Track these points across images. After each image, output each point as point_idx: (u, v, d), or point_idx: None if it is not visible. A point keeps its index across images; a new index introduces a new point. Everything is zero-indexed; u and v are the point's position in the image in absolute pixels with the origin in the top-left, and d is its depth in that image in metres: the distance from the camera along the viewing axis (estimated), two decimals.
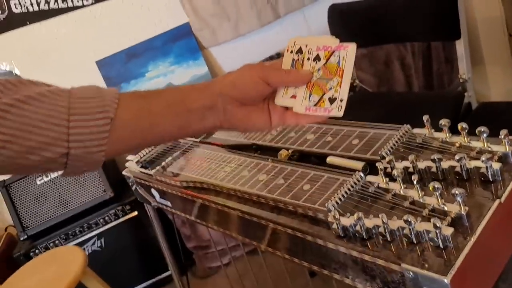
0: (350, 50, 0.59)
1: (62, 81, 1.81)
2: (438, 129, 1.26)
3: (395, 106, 1.46)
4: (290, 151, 0.97)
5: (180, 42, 1.94)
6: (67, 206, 1.82)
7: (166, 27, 1.93)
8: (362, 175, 0.78)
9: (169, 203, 1.16)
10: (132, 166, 1.22)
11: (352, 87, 1.66)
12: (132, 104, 0.56)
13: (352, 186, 0.77)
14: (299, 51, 0.63)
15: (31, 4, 1.75)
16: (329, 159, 0.89)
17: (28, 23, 1.77)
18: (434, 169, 0.75)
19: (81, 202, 1.82)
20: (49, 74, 1.85)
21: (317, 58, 0.61)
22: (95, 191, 1.82)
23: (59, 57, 1.84)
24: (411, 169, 0.77)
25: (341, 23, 1.58)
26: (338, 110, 0.59)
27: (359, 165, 0.84)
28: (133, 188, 1.27)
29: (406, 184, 0.74)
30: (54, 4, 1.77)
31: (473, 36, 1.85)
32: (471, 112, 1.37)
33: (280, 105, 0.63)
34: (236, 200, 0.92)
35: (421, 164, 0.76)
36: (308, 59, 0.62)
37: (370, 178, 0.78)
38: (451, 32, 1.33)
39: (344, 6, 1.57)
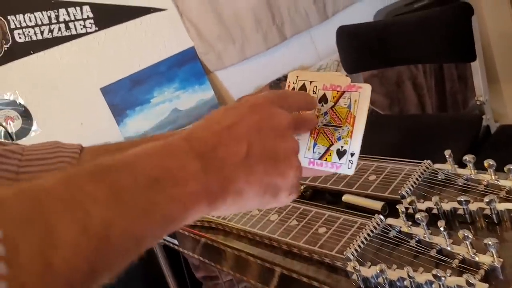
0: (363, 92, 0.48)
1: (67, 109, 1.78)
2: (457, 153, 1.19)
3: (410, 131, 1.40)
4: (302, 187, 0.92)
5: (185, 66, 1.91)
6: None
7: (170, 52, 1.90)
8: (382, 217, 0.73)
9: (175, 241, 1.11)
10: None
11: None
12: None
13: (372, 231, 0.71)
14: (302, 88, 0.52)
15: (35, 33, 1.73)
16: (345, 198, 0.84)
17: (32, 52, 1.75)
18: (460, 211, 0.69)
19: None
20: (54, 102, 1.82)
21: (324, 99, 0.50)
22: None
23: (63, 85, 1.81)
24: (435, 211, 0.72)
25: (350, 45, 1.53)
26: (348, 167, 0.48)
27: (378, 205, 0.78)
28: None
29: (431, 229, 0.68)
30: (58, 32, 1.75)
31: (486, 54, 1.79)
32: (490, 136, 1.31)
33: None
34: (247, 242, 0.86)
35: (446, 206, 0.71)
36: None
37: (390, 220, 0.73)
38: (466, 54, 1.28)
39: (352, 27, 1.52)
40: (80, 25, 1.77)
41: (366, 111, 0.48)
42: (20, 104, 1.78)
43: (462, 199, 0.67)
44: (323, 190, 0.89)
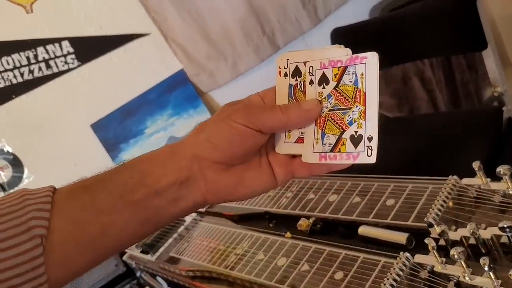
0: (369, 62, 0.40)
1: (59, 151, 1.68)
2: (481, 154, 1.06)
3: (424, 134, 1.28)
4: (311, 220, 0.80)
5: (177, 91, 1.80)
6: (78, 285, 1.67)
7: (159, 77, 1.80)
8: (408, 256, 0.60)
9: None
10: (132, 250, 1.06)
11: None
12: (72, 204, 0.40)
13: (399, 274, 0.59)
14: (297, 72, 0.44)
15: (14, 76, 1.64)
16: (362, 230, 0.71)
17: (14, 96, 1.66)
18: (504, 239, 0.57)
19: (92, 280, 1.66)
20: (44, 146, 1.73)
21: (324, 80, 0.42)
22: (107, 266, 1.66)
23: (51, 126, 1.72)
24: (472, 240, 0.59)
25: (348, 47, 1.42)
26: (368, 155, 0.39)
27: (402, 237, 0.66)
28: (138, 274, 1.10)
29: (471, 265, 0.55)
30: (39, 72, 1.66)
31: (494, 36, 1.67)
32: None
33: (283, 153, 0.45)
34: None
35: (485, 233, 0.58)
36: (311, 82, 0.43)
37: (419, 258, 0.60)
38: (476, 43, 1.16)
39: (347, 28, 1.41)
40: (61, 61, 1.68)
41: (377, 84, 0.39)
42: (8, 152, 1.69)
43: (505, 225, 0.55)
44: (335, 221, 0.77)
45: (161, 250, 0.99)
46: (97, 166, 1.52)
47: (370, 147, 0.39)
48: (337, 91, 0.41)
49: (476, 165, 0.66)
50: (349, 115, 0.40)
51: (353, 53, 0.41)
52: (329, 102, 0.42)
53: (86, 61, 1.71)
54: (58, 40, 1.67)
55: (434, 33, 1.22)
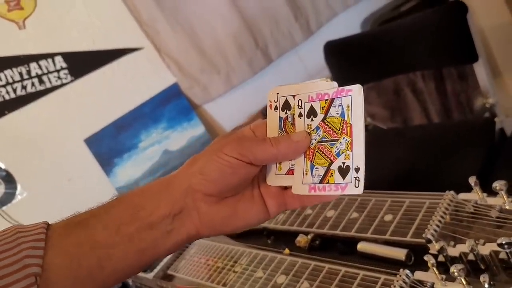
0: (354, 94, 0.41)
1: (52, 166, 1.67)
2: (475, 166, 1.07)
3: (418, 146, 1.29)
4: (309, 236, 0.80)
5: (171, 104, 1.80)
6: None
7: (153, 91, 1.80)
8: (408, 273, 0.61)
9: None
10: None
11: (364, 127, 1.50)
12: (68, 240, 0.40)
13: None
14: (286, 105, 0.45)
15: (7, 92, 1.63)
16: (361, 246, 0.72)
17: (6, 112, 1.65)
18: (503, 255, 0.57)
19: None
20: (37, 162, 1.71)
21: (312, 113, 0.43)
22: None
23: (44, 142, 1.71)
24: (471, 256, 0.60)
25: (341, 60, 1.43)
26: (355, 186, 0.40)
27: (401, 254, 0.66)
28: None
29: (471, 282, 0.56)
30: (32, 88, 1.65)
31: (484, 47, 1.70)
32: (507, 139, 1.19)
33: (274, 185, 0.46)
34: None
35: (484, 249, 0.59)
36: (300, 115, 0.44)
37: (419, 275, 0.61)
38: (467, 55, 1.18)
39: (340, 42, 1.42)
40: (55, 77, 1.68)
41: (362, 116, 0.41)
42: (0, 168, 1.67)
43: (503, 242, 0.56)
44: (334, 237, 0.77)
45: (158, 267, 0.98)
46: (91, 182, 1.52)
47: (357, 178, 0.40)
48: (324, 123, 0.42)
49: (472, 180, 0.67)
50: (336, 147, 0.41)
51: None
52: (317, 134, 0.43)
53: (80, 76, 1.71)
54: (51, 56, 1.66)
55: (425, 46, 1.23)
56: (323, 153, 0.42)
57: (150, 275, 0.98)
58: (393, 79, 1.72)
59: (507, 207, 0.63)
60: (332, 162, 0.42)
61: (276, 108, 0.46)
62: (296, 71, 1.96)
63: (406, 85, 1.72)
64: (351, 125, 0.40)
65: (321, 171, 0.42)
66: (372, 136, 1.48)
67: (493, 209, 0.64)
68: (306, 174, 0.43)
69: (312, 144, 0.43)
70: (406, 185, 1.02)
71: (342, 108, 0.41)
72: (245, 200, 0.46)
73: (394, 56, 1.33)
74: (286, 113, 0.45)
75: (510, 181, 0.64)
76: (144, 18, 1.73)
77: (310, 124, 0.43)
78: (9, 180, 1.69)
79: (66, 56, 1.68)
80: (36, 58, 1.65)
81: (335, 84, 0.43)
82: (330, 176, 0.42)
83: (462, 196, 0.69)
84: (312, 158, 0.43)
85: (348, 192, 0.40)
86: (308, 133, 0.43)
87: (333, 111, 0.42)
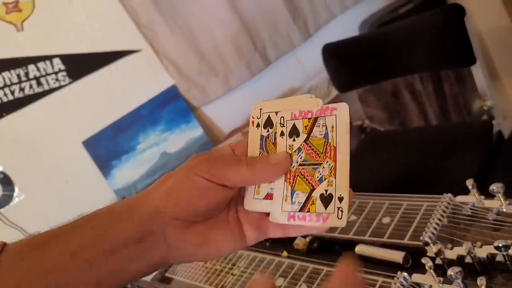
0: (340, 114, 0.37)
1: (50, 168, 1.66)
2: (473, 168, 1.07)
3: (416, 148, 1.29)
4: (307, 238, 0.80)
5: (169, 106, 1.80)
6: None
7: (151, 93, 1.80)
8: (406, 276, 0.61)
9: None
10: None
11: (362, 129, 1.50)
12: (18, 266, 0.37)
13: None
14: (268, 123, 0.41)
15: (5, 94, 1.63)
16: (359, 249, 0.72)
17: (4, 114, 1.64)
18: (500, 258, 0.57)
19: None
20: (35, 163, 1.70)
21: (295, 132, 0.39)
22: None
23: (42, 144, 1.70)
24: (468, 259, 0.60)
25: (338, 63, 1.43)
26: (338, 217, 0.35)
27: (398, 256, 0.66)
28: None
29: (468, 284, 0.56)
30: (29, 90, 1.65)
31: (483, 52, 1.71)
32: (504, 142, 1.19)
33: (251, 210, 0.41)
34: None
35: (481, 252, 0.59)
36: (282, 134, 0.40)
37: (417, 277, 0.61)
38: (465, 58, 1.18)
39: (338, 44, 1.42)
40: (53, 79, 1.68)
41: (347, 138, 0.36)
42: None
43: (500, 245, 0.56)
44: (332, 240, 0.77)
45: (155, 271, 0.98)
46: (89, 184, 1.52)
47: (341, 209, 0.36)
48: (307, 144, 0.38)
49: (469, 183, 0.67)
50: (319, 172, 0.37)
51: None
52: (299, 156, 0.38)
53: (78, 78, 1.71)
54: (49, 58, 1.66)
55: (423, 48, 1.23)
56: (304, 177, 0.38)
57: (148, 278, 0.98)
58: (392, 82, 1.73)
59: (504, 210, 0.63)
60: (314, 189, 0.37)
61: (258, 125, 0.41)
62: (294, 74, 1.97)
63: (404, 87, 1.72)
64: (335, 148, 0.36)
65: (301, 197, 0.38)
66: (370, 138, 1.48)
67: (490, 211, 0.64)
68: (286, 200, 0.39)
69: (293, 167, 0.39)
70: (404, 187, 1.02)
71: (326, 129, 0.37)
72: (219, 226, 0.41)
73: (392, 58, 1.34)
74: (268, 131, 0.41)
75: (507, 184, 0.64)
76: (142, 20, 1.73)
77: (292, 145, 0.39)
78: (7, 182, 1.68)
79: (64, 58, 1.68)
80: (34, 60, 1.65)
81: (319, 101, 0.38)
82: (311, 205, 0.37)
83: (460, 198, 0.69)
84: (293, 183, 0.38)
85: (329, 224, 0.36)
86: (290, 154, 0.39)
87: (316, 132, 0.38)
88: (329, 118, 0.37)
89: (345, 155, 0.36)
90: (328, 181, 0.36)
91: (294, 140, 0.39)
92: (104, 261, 0.38)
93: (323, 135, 0.37)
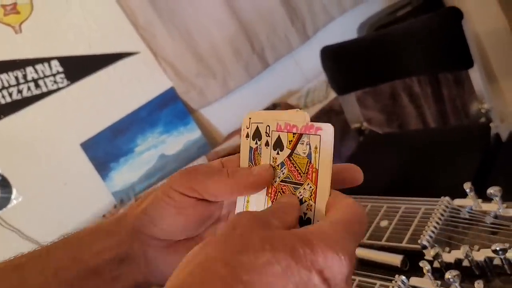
0: (324, 135, 0.34)
1: (48, 170, 1.66)
2: (470, 171, 1.07)
3: (414, 150, 1.29)
4: None
5: (167, 109, 1.80)
6: None
7: (149, 95, 1.80)
8: (404, 279, 0.61)
9: None
10: None
11: (360, 131, 1.50)
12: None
13: None
14: (257, 134, 0.38)
15: (3, 96, 1.63)
16: (356, 252, 0.71)
17: (2, 116, 1.64)
18: (497, 262, 0.58)
19: None
20: (33, 165, 1.71)
21: (279, 145, 0.37)
22: None
23: (40, 146, 1.71)
24: (465, 262, 0.60)
25: (337, 66, 1.44)
26: None
27: (396, 259, 0.66)
28: None
29: (464, 287, 0.56)
30: (27, 92, 1.65)
31: (480, 55, 1.71)
32: (502, 145, 1.20)
33: None
34: None
35: (479, 255, 0.59)
36: (267, 144, 0.37)
37: (414, 281, 0.61)
38: (462, 61, 1.18)
39: (336, 47, 1.42)
40: (51, 81, 1.68)
41: (330, 161, 0.34)
42: None
43: (498, 248, 0.56)
44: None
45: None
46: (87, 186, 1.51)
47: None
48: (290, 160, 0.36)
49: (467, 186, 0.67)
50: (300, 192, 0.35)
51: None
52: (281, 171, 0.36)
53: (76, 80, 1.71)
54: (47, 60, 1.66)
55: (421, 51, 1.24)
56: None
57: None
58: (390, 84, 1.73)
59: (501, 213, 0.63)
60: None
61: (247, 135, 0.39)
62: (292, 76, 1.97)
63: (403, 90, 1.73)
64: (317, 171, 0.34)
65: None
66: (369, 140, 1.48)
67: (488, 215, 0.64)
68: None
69: (275, 182, 0.36)
70: (402, 190, 1.02)
71: (310, 148, 0.35)
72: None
73: (390, 61, 1.34)
74: (256, 143, 0.39)
75: (505, 187, 0.65)
76: (140, 22, 1.73)
77: (276, 158, 0.37)
78: (5, 184, 1.68)
79: (62, 60, 1.68)
80: (32, 62, 1.65)
81: (307, 116, 0.36)
82: None
83: (457, 202, 0.69)
84: (274, 198, 0.37)
85: None
86: (273, 167, 0.37)
87: (300, 149, 0.36)
88: (313, 137, 0.35)
89: (326, 181, 0.34)
90: (308, 204, 0.35)
91: (278, 153, 0.37)
92: (84, 281, 0.36)
93: (306, 155, 0.35)
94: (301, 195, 0.35)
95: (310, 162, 0.35)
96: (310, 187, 0.34)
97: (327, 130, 0.34)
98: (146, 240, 0.37)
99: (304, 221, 0.34)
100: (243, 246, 0.27)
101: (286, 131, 0.36)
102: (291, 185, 0.36)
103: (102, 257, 0.37)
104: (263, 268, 0.26)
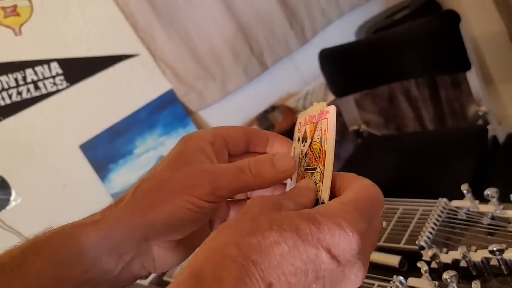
0: (329, 117, 0.36)
1: (47, 172, 1.66)
2: (468, 174, 1.08)
3: (412, 152, 1.30)
4: None
5: (166, 110, 1.81)
6: None
7: (149, 97, 1.80)
8: (402, 279, 0.61)
9: None
10: None
11: (358, 134, 1.51)
12: None
13: None
14: (304, 137, 0.40)
15: (2, 98, 1.63)
16: None
17: (1, 118, 1.65)
18: (494, 262, 0.58)
19: None
20: (32, 167, 1.71)
21: (304, 137, 0.39)
22: None
23: (39, 148, 1.71)
24: (463, 263, 0.61)
25: (335, 69, 1.45)
26: None
27: (394, 260, 0.67)
28: None
29: (462, 287, 0.57)
30: (27, 93, 1.66)
31: (476, 55, 1.72)
32: (500, 147, 1.21)
33: None
34: None
35: (476, 256, 0.59)
36: (298, 139, 0.39)
37: (412, 281, 0.61)
38: (460, 64, 1.19)
39: (334, 49, 1.43)
40: (50, 83, 1.68)
41: (333, 141, 0.35)
42: None
43: (494, 249, 0.56)
44: None
45: (154, 274, 0.98)
46: (86, 187, 1.51)
47: None
48: (310, 149, 0.37)
49: (464, 187, 0.68)
50: (314, 177, 0.36)
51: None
52: (305, 160, 0.38)
53: (75, 82, 1.71)
54: (47, 62, 1.67)
55: (419, 54, 1.25)
56: None
57: (145, 282, 0.98)
58: (388, 86, 1.74)
59: (498, 214, 0.64)
60: None
61: (298, 134, 0.40)
62: (291, 78, 1.98)
63: (400, 92, 1.74)
64: (325, 152, 0.35)
65: None
66: (367, 142, 1.49)
67: (485, 216, 0.65)
68: None
69: (301, 171, 0.37)
70: (400, 192, 1.03)
71: (321, 132, 0.37)
72: (204, 233, 0.38)
73: (388, 63, 1.35)
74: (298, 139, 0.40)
75: (502, 189, 0.65)
76: (140, 25, 1.74)
77: (303, 150, 0.38)
78: (4, 185, 1.68)
79: (62, 62, 1.68)
80: (32, 64, 1.65)
81: (323, 105, 0.38)
82: None
83: (455, 203, 0.70)
84: None
85: None
86: (300, 159, 0.38)
87: (316, 136, 0.37)
88: (323, 121, 0.37)
89: (331, 160, 0.35)
90: (318, 186, 0.35)
91: (304, 145, 0.39)
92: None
93: (319, 140, 0.37)
94: (314, 178, 0.35)
95: (321, 146, 0.36)
96: (320, 168, 0.35)
97: (331, 111, 0.36)
98: (158, 243, 0.35)
99: (318, 204, 0.35)
100: (252, 228, 0.28)
101: (309, 123, 0.38)
102: (310, 171, 0.37)
103: (95, 270, 0.34)
104: (270, 247, 0.27)
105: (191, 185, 0.33)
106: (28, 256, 0.34)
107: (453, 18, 1.16)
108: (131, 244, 0.34)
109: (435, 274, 0.61)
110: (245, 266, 0.26)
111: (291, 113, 1.84)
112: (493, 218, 0.64)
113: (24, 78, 1.65)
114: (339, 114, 1.51)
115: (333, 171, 0.35)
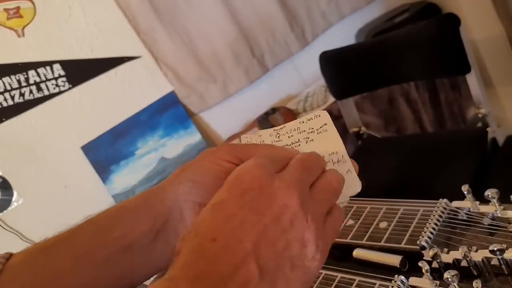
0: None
1: (49, 173, 1.67)
2: (468, 175, 1.08)
3: (412, 154, 1.31)
4: None
5: (168, 112, 1.82)
6: None
7: (150, 99, 1.81)
8: (403, 279, 0.62)
9: None
10: None
11: (359, 135, 1.52)
12: (26, 269, 0.36)
13: None
14: None
15: (5, 99, 1.64)
16: (356, 253, 0.73)
17: (4, 119, 1.65)
18: (495, 262, 0.59)
19: None
20: (34, 168, 1.71)
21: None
22: None
23: (41, 149, 1.72)
24: (463, 263, 0.61)
25: (335, 71, 1.46)
26: None
27: (395, 260, 0.68)
28: None
29: (463, 287, 0.58)
30: (29, 95, 1.67)
31: (476, 58, 1.74)
32: (499, 149, 1.22)
33: None
34: None
35: (477, 255, 0.60)
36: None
37: (414, 281, 0.62)
38: (459, 67, 1.20)
39: (335, 52, 1.45)
40: (53, 84, 1.69)
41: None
42: None
43: (495, 248, 0.57)
44: None
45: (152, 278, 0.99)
46: (87, 188, 1.52)
47: None
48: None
49: (465, 188, 0.69)
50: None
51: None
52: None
53: (77, 84, 1.72)
54: (50, 63, 1.67)
55: (419, 57, 1.26)
56: None
57: (147, 281, 0.99)
58: (388, 89, 1.75)
59: (499, 215, 0.65)
60: None
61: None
62: (291, 81, 1.99)
63: (400, 95, 1.75)
64: None
65: None
66: (367, 144, 1.50)
67: (485, 216, 0.66)
68: None
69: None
70: (401, 193, 1.04)
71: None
72: None
73: (388, 66, 1.36)
74: None
75: (502, 190, 0.66)
76: (142, 27, 1.75)
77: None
78: (5, 186, 1.69)
79: (64, 64, 1.69)
80: (35, 65, 1.66)
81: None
82: None
83: (455, 204, 0.71)
84: None
85: None
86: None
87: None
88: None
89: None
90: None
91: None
92: (118, 259, 0.37)
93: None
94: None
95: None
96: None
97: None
98: (190, 206, 0.38)
99: None
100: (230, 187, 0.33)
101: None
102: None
103: (135, 233, 0.37)
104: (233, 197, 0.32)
105: (213, 151, 0.39)
106: (84, 226, 0.39)
107: (453, 21, 1.17)
108: (164, 204, 0.38)
109: (436, 273, 0.62)
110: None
111: (292, 115, 1.85)
112: (493, 218, 0.65)
113: (27, 79, 1.66)
114: (339, 116, 1.53)
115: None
